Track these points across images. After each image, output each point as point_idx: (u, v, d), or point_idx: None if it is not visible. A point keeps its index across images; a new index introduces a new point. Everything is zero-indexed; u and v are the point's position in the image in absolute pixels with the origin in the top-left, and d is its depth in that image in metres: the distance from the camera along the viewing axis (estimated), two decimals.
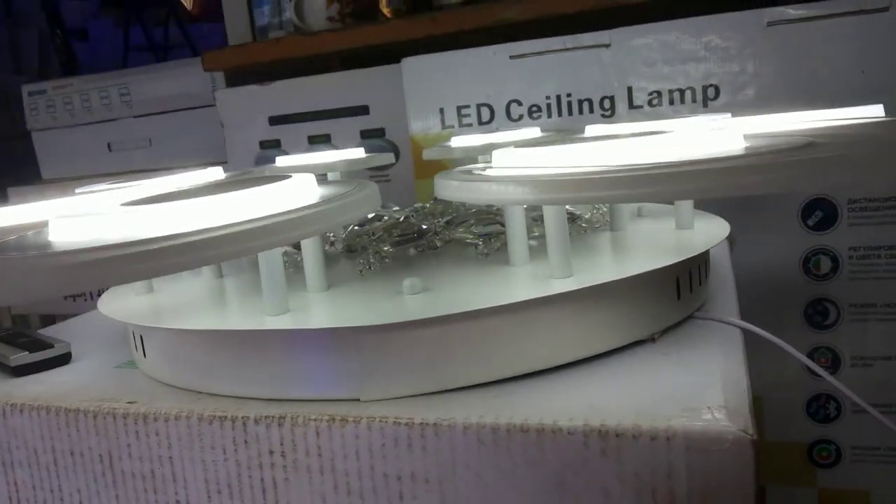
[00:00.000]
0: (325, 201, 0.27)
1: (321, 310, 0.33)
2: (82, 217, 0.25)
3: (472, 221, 0.41)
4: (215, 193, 0.27)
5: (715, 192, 0.26)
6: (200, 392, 0.33)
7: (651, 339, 0.34)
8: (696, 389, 0.28)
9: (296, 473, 0.30)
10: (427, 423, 0.28)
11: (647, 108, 0.70)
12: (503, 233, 0.40)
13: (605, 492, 0.26)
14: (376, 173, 0.89)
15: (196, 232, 0.20)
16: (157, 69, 1.18)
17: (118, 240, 0.21)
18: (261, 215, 0.23)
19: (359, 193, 0.29)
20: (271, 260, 0.31)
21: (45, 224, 0.27)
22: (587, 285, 0.31)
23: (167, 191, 0.32)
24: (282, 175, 0.33)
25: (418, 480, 0.28)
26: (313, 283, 0.35)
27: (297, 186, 0.29)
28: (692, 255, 0.35)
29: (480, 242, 0.40)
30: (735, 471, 0.24)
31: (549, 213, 0.32)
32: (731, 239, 0.55)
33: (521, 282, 0.33)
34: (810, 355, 0.69)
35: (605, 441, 0.26)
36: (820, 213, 0.67)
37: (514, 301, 0.30)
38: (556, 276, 0.32)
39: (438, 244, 0.42)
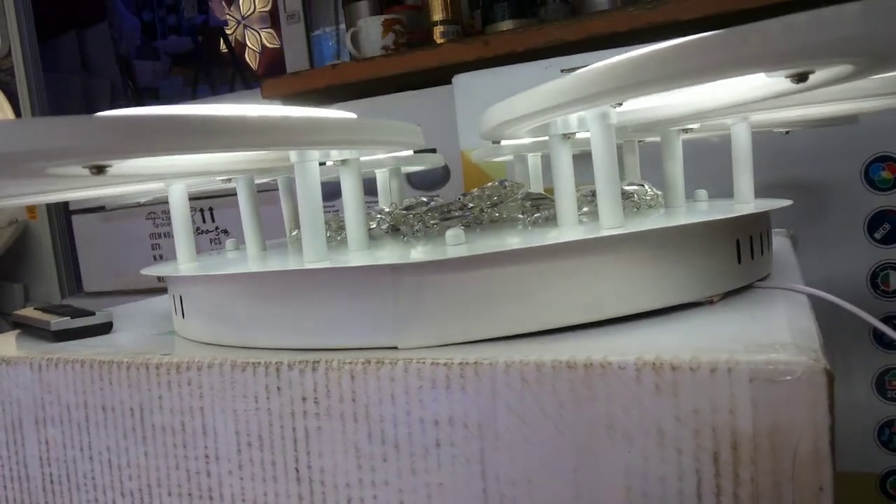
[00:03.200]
0: None
1: (359, 257, 0.32)
2: None
3: (519, 197, 0.40)
4: None
5: None
6: (235, 346, 0.32)
7: (709, 301, 0.32)
8: (761, 331, 0.26)
9: (329, 421, 0.28)
10: (467, 363, 0.26)
11: None
12: (549, 200, 0.39)
13: (660, 431, 0.24)
14: (427, 194, 0.89)
15: None
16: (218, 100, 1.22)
17: None
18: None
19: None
20: (313, 207, 0.30)
21: None
22: (637, 230, 0.29)
23: None
24: None
25: (456, 425, 0.26)
26: (355, 239, 0.34)
27: None
28: (750, 213, 0.33)
29: (527, 216, 0.39)
30: (807, 405, 0.22)
31: (600, 157, 0.30)
32: (793, 238, 0.52)
33: (569, 232, 0.31)
34: (879, 378, 0.64)
35: (659, 376, 0.23)
36: (888, 225, 0.64)
37: (560, 241, 0.28)
38: (606, 226, 0.31)
39: (485, 221, 0.40)
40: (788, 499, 0.22)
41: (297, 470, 0.29)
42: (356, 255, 0.32)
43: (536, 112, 0.30)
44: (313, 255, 0.31)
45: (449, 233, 0.31)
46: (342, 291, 0.29)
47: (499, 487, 0.26)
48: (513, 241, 0.31)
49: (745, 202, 0.39)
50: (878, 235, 0.64)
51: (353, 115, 0.32)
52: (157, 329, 0.40)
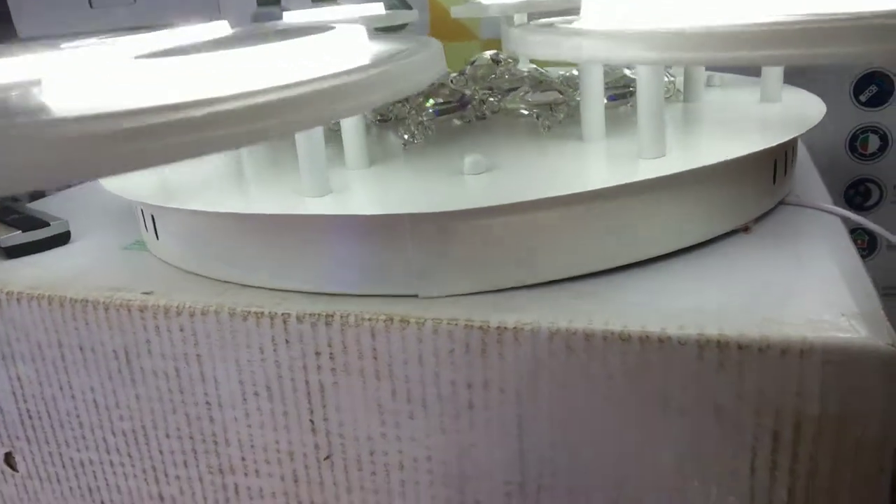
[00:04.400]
0: (392, 58, 0.21)
1: (369, 192, 0.28)
2: (87, 72, 0.19)
3: (525, 89, 0.35)
4: (249, 46, 0.21)
5: None
6: (227, 282, 0.29)
7: (744, 229, 0.29)
8: (819, 290, 0.24)
9: (347, 377, 0.26)
10: (506, 328, 0.24)
11: None
12: (563, 102, 0.35)
13: (718, 409, 0.22)
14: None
15: (256, 93, 0.15)
16: None
17: (143, 105, 0.15)
18: (325, 73, 0.18)
19: (426, 50, 0.23)
20: (313, 132, 0.26)
21: (34, 82, 0.22)
22: (687, 168, 0.26)
23: (179, 44, 0.26)
24: (318, 26, 0.27)
25: (492, 389, 0.24)
26: (354, 158, 0.30)
27: (346, 40, 0.23)
28: (795, 136, 0.30)
29: (536, 111, 0.35)
30: (879, 390, 0.21)
31: (646, 76, 0.26)
32: None
33: (605, 161, 0.28)
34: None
35: (724, 354, 0.22)
36: (875, 87, 0.62)
37: (605, 186, 0.25)
38: (645, 156, 0.28)
39: (487, 114, 0.36)
40: (847, 478, 0.22)
41: (311, 422, 0.27)
42: (362, 186, 0.28)
43: None
44: (312, 190, 0.27)
45: (467, 160, 0.28)
46: (354, 237, 0.26)
47: (537, 450, 0.25)
48: (540, 166, 0.28)
49: (774, 100, 0.36)
50: (863, 98, 0.62)
51: None
52: (123, 237, 0.35)
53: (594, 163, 0.28)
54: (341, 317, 0.25)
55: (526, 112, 0.35)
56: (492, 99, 0.37)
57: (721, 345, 0.22)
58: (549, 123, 0.33)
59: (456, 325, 0.24)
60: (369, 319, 0.25)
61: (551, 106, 0.34)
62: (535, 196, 0.24)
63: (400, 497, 0.27)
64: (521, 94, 0.36)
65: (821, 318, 0.22)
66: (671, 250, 0.27)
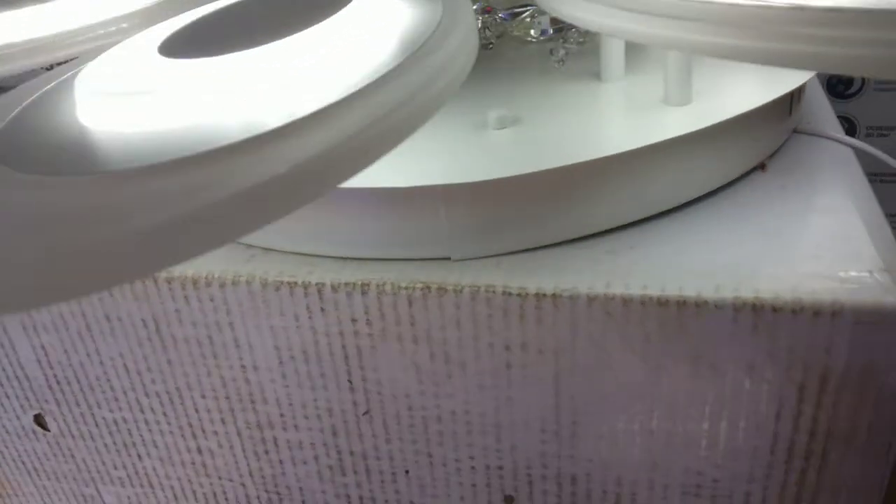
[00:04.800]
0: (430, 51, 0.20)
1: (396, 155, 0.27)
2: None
3: (532, 12, 0.34)
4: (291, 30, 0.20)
5: None
6: (252, 246, 0.29)
7: (761, 168, 0.30)
8: (843, 241, 0.25)
9: (384, 342, 0.26)
10: (544, 294, 0.24)
11: None
12: (563, 27, 0.34)
13: (751, 366, 0.24)
14: None
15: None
16: None
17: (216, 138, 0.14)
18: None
19: (459, 22, 0.22)
20: None
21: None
22: (718, 121, 0.26)
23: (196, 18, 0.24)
24: None
25: (530, 351, 0.25)
26: None
27: (375, 20, 0.22)
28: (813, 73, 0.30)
29: (548, 45, 0.34)
30: None
31: None
32: None
33: (632, 110, 0.28)
34: None
35: (758, 316, 0.23)
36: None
37: (640, 146, 0.25)
38: (672, 103, 0.27)
39: (493, 42, 0.35)
40: (864, 424, 0.23)
41: (349, 382, 0.28)
42: None
43: None
44: None
45: (492, 115, 0.27)
46: (385, 206, 0.26)
47: (572, 404, 0.26)
48: (565, 119, 0.27)
49: None
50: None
51: None
52: None
53: (622, 113, 0.28)
54: (377, 286, 0.26)
55: (534, 39, 0.34)
56: (496, 20, 0.36)
57: (756, 308, 0.23)
58: (563, 57, 0.32)
59: (494, 292, 0.25)
60: (406, 288, 0.25)
61: (562, 32, 0.33)
62: (569, 161, 0.24)
63: (438, 445, 0.28)
64: (528, 18, 0.34)
65: (849, 276, 0.23)
66: (699, 195, 0.28)
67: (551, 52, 0.33)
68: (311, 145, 0.14)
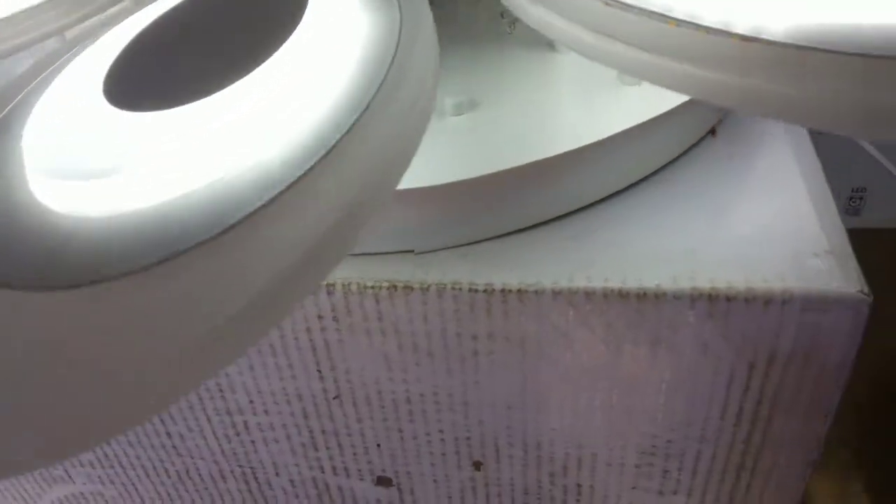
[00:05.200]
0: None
1: None
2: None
3: None
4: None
5: None
6: None
7: (711, 134, 0.30)
8: (792, 222, 0.26)
9: (352, 336, 0.27)
10: (510, 290, 0.25)
11: None
12: None
13: (705, 347, 0.25)
14: None
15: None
16: None
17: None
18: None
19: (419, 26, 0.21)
20: None
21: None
22: (676, 104, 0.26)
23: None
24: None
25: (497, 340, 0.26)
26: None
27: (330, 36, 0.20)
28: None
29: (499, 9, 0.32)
30: (847, 328, 0.24)
31: None
32: None
33: (587, 90, 0.27)
34: None
35: (714, 305, 0.24)
36: None
37: (596, 140, 0.25)
38: (627, 82, 0.27)
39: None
40: (806, 394, 0.25)
41: (319, 371, 0.28)
42: None
43: None
44: None
45: (448, 102, 0.26)
46: None
47: (537, 385, 0.27)
48: (523, 102, 0.27)
49: None
50: None
51: None
52: None
53: (578, 93, 0.28)
54: (343, 286, 0.26)
55: None
56: None
57: (712, 297, 0.24)
58: (513, 20, 0.31)
59: (460, 289, 0.25)
60: (372, 287, 0.25)
61: None
62: (529, 155, 0.24)
63: (408, 422, 0.29)
64: None
65: (800, 264, 0.24)
66: (654, 170, 0.28)
67: (502, 15, 0.32)
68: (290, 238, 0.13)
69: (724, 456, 0.28)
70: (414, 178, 0.24)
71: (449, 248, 0.26)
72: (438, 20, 0.33)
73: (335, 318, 0.26)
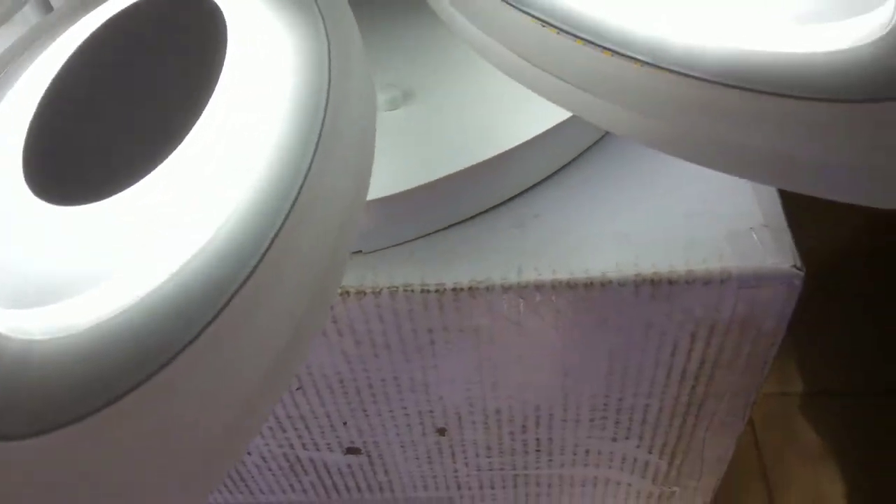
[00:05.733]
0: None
1: None
2: None
3: None
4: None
5: None
6: None
7: None
8: (728, 197, 0.26)
9: None
10: (461, 288, 0.25)
11: None
12: None
13: (648, 324, 0.26)
14: None
15: None
16: None
17: None
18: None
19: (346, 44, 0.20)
20: None
21: None
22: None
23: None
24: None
25: (451, 331, 0.27)
26: None
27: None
28: None
29: None
30: (782, 299, 0.25)
31: None
32: None
33: None
34: None
35: (656, 288, 0.25)
36: None
37: (537, 134, 0.25)
38: None
39: None
40: (744, 355, 0.27)
41: None
42: None
43: None
44: None
45: (381, 97, 0.26)
46: None
47: (492, 364, 0.28)
48: (458, 94, 0.26)
49: None
50: None
51: None
52: None
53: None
54: None
55: None
56: None
57: (655, 282, 0.25)
58: None
59: (412, 291, 0.25)
60: None
61: None
62: (467, 157, 0.24)
63: (371, 403, 0.30)
64: None
65: (736, 241, 0.25)
66: (589, 146, 0.28)
67: None
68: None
69: (670, 408, 0.30)
70: None
71: (397, 245, 0.26)
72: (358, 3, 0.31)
73: None
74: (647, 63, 0.17)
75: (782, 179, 0.17)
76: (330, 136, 0.18)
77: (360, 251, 0.26)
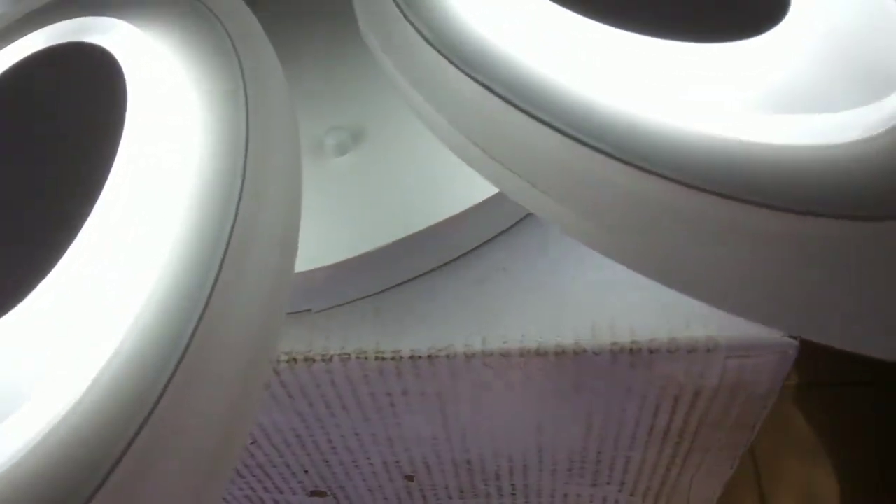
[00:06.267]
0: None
1: None
2: None
3: None
4: None
5: None
6: None
7: None
8: None
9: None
10: (419, 357, 0.23)
11: None
12: None
13: (629, 389, 0.24)
14: None
15: None
16: None
17: None
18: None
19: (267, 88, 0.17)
20: None
21: None
22: None
23: None
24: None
25: (412, 394, 0.24)
26: None
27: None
28: None
29: None
30: (773, 370, 0.23)
31: None
32: None
33: None
34: None
35: (635, 357, 0.22)
36: None
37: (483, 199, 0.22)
38: None
39: None
40: (733, 416, 0.25)
41: None
42: None
43: None
44: None
45: (328, 141, 0.23)
46: None
47: (459, 423, 0.26)
48: (406, 139, 0.23)
49: None
50: None
51: None
52: None
53: None
54: None
55: None
56: None
57: (633, 351, 0.22)
58: None
59: (365, 358, 0.23)
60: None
61: None
62: (422, 222, 0.21)
63: (332, 454, 0.28)
64: None
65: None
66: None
67: None
68: None
69: (653, 459, 0.28)
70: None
71: (349, 302, 0.24)
72: (301, 33, 0.28)
73: None
74: (614, 157, 0.14)
75: (758, 313, 0.14)
76: (244, 228, 0.15)
77: (309, 310, 0.24)
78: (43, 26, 0.19)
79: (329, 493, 0.32)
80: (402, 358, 0.23)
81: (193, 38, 0.18)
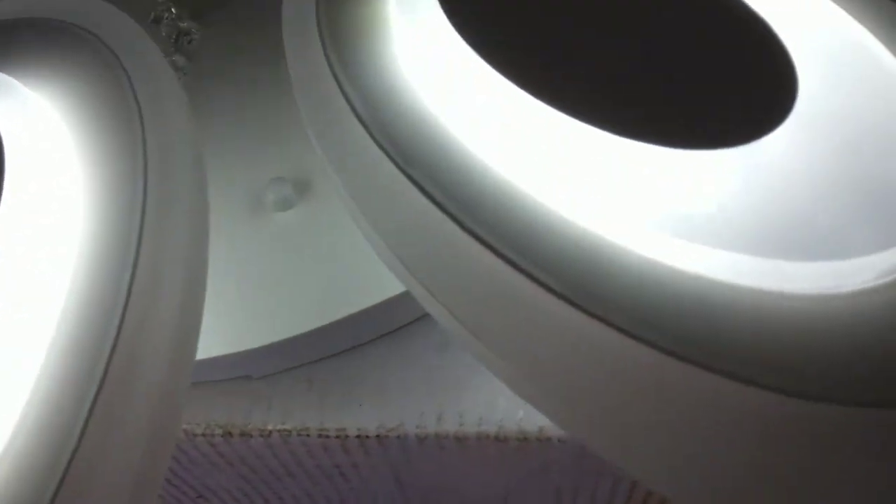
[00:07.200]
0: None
1: None
2: None
3: None
4: None
5: None
6: None
7: None
8: None
9: (194, 467, 0.23)
10: (367, 436, 0.20)
11: None
12: None
13: (599, 472, 0.21)
14: None
15: None
16: None
17: None
18: None
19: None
20: None
21: None
22: None
23: None
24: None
25: (362, 468, 0.22)
26: None
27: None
28: None
29: None
30: None
31: None
32: None
33: None
34: None
35: None
36: None
37: None
38: None
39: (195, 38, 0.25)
40: None
41: (173, 483, 0.25)
42: None
43: None
44: None
45: (271, 196, 0.20)
46: None
47: (417, 490, 0.24)
48: None
49: None
50: None
51: None
52: None
53: None
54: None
55: None
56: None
57: None
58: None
59: (308, 435, 0.21)
60: (204, 434, 0.21)
61: None
62: (372, 298, 0.19)
63: None
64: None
65: None
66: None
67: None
68: None
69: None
70: (230, 339, 0.19)
71: (293, 368, 0.22)
72: (231, 80, 0.25)
73: (180, 450, 0.22)
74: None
75: None
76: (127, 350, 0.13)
77: (249, 376, 0.22)
78: None
79: None
80: (347, 437, 0.21)
81: (91, 99, 0.16)
